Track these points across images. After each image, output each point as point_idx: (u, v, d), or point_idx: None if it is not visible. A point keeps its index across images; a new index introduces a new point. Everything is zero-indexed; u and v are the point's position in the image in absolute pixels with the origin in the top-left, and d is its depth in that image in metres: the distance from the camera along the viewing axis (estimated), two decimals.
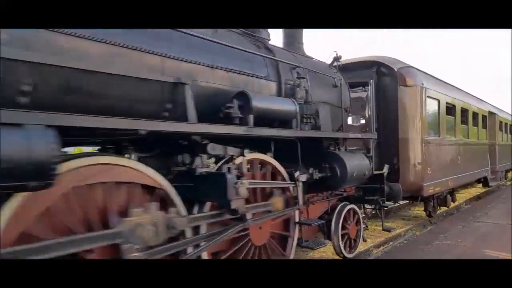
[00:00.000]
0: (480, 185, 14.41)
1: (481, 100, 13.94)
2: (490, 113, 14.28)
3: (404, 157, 7.81)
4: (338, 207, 5.55)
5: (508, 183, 17.55)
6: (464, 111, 11.07)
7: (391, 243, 7.14)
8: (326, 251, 6.42)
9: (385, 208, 6.88)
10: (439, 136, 8.99)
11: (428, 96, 8.44)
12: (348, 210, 5.67)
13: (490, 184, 13.90)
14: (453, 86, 11.04)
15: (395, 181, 7.25)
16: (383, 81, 7.90)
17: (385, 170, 6.72)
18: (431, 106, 8.79)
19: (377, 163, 7.17)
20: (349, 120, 8.15)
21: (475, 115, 12.20)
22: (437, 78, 9.86)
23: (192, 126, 3.11)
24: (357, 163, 5.27)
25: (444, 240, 6.90)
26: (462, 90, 11.94)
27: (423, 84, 8.22)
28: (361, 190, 6.38)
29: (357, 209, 5.94)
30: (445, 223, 8.74)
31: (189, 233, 3.24)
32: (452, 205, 10.68)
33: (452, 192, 10.27)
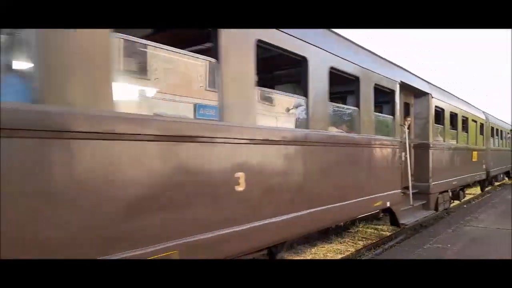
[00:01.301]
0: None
1: (390, 63, 7.16)
2: (402, 85, 7.24)
3: None
4: None
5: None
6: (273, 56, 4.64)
7: None
8: None
9: None
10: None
11: None
12: None
13: (401, 222, 7.18)
14: None
15: None
16: None
17: None
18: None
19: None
20: None
21: (338, 76, 5.33)
22: None
23: None
24: None
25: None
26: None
27: None
28: None
29: None
30: None
31: None
32: None
33: None
